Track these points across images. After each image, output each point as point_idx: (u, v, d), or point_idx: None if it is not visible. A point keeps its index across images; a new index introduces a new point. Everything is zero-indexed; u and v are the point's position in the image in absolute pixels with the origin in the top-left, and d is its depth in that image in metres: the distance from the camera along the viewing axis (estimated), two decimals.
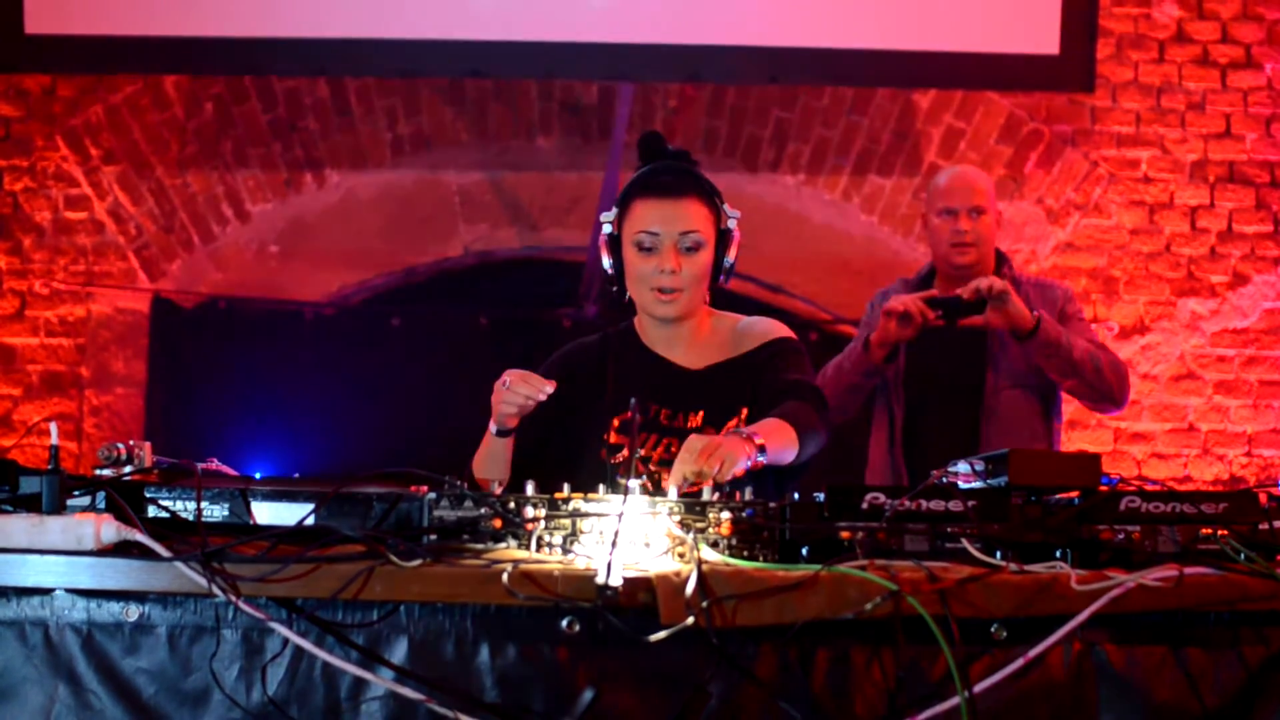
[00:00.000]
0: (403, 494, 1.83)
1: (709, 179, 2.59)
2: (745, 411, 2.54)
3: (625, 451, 2.52)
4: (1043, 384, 3.52)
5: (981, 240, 3.55)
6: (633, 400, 2.09)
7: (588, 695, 1.61)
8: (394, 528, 1.81)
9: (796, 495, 1.88)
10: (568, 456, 2.54)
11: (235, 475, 2.08)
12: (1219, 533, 1.89)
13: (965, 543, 1.80)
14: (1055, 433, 3.64)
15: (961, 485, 1.95)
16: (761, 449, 2.22)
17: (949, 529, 1.82)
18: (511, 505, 1.81)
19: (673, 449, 2.50)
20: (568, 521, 1.81)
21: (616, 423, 2.57)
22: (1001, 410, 3.51)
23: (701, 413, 2.56)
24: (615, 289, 2.62)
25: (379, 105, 5.16)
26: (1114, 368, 3.47)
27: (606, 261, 2.58)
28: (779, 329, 2.66)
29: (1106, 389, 3.45)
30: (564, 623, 1.67)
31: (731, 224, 2.57)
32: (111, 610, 1.70)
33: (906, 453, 3.54)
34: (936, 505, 1.83)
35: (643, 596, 1.64)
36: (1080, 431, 5.11)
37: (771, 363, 2.57)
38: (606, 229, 2.57)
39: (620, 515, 1.73)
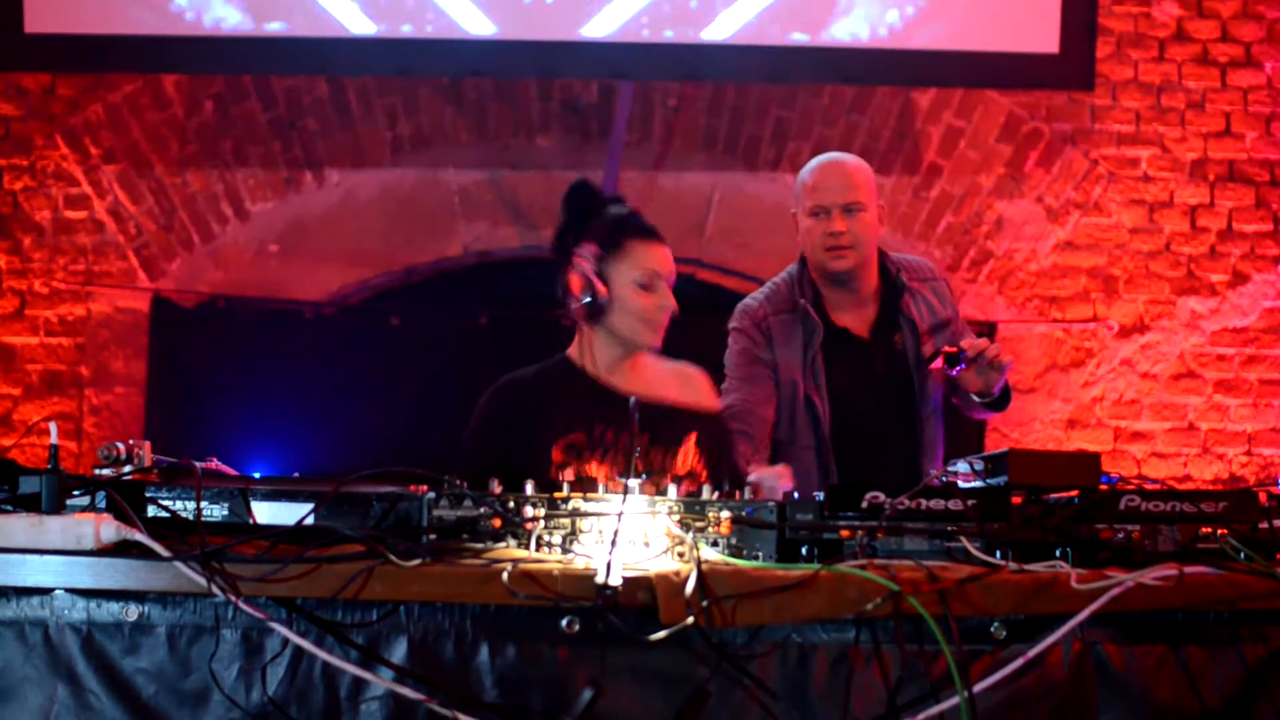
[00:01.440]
0: (402, 494, 1.83)
1: None
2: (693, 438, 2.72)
3: (589, 464, 2.60)
4: (938, 404, 3.26)
5: (860, 241, 3.13)
6: (632, 400, 2.09)
7: (587, 695, 1.61)
8: (394, 527, 1.81)
9: (796, 494, 1.87)
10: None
11: (235, 475, 2.08)
12: (1219, 532, 1.89)
13: (965, 542, 1.80)
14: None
15: (961, 484, 1.95)
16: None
17: (949, 528, 1.82)
18: (511, 505, 1.81)
19: (618, 462, 2.64)
20: (567, 521, 1.81)
21: (562, 443, 2.64)
22: (926, 437, 3.21)
23: (648, 435, 2.68)
24: (592, 316, 2.72)
25: (379, 105, 5.16)
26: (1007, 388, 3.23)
27: (592, 293, 2.69)
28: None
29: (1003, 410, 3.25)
30: (564, 622, 1.67)
31: None
32: (111, 610, 1.70)
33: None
34: (936, 504, 1.83)
35: (642, 596, 1.64)
36: (1080, 430, 5.11)
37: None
38: (594, 265, 2.69)
39: (620, 515, 1.73)
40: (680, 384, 2.87)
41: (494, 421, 2.72)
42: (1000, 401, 3.15)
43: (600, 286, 2.69)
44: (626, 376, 2.79)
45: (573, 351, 2.83)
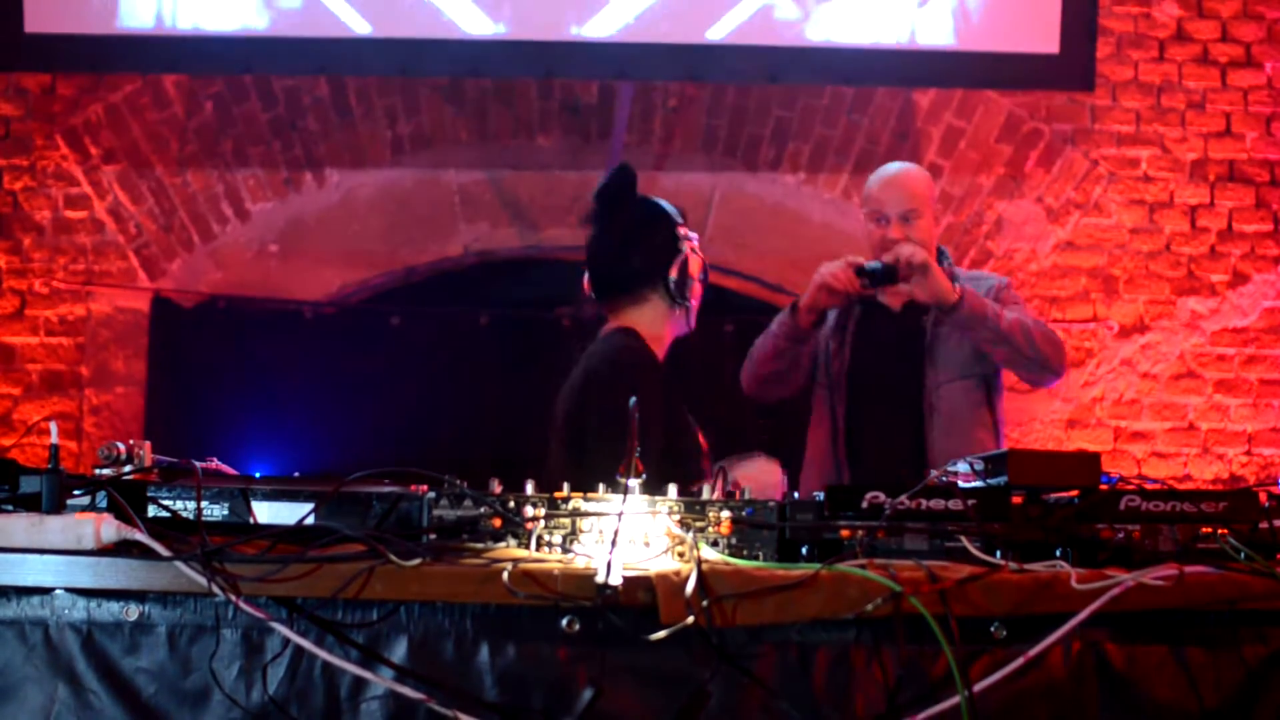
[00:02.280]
0: (403, 493, 1.83)
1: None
2: None
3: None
4: (983, 372, 3.54)
5: (916, 243, 3.49)
6: (632, 399, 2.09)
7: (587, 695, 1.61)
8: (394, 527, 1.81)
9: (796, 494, 1.88)
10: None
11: (235, 475, 2.08)
12: (1219, 532, 1.89)
13: (965, 542, 1.80)
14: (998, 418, 3.60)
15: (961, 484, 1.95)
16: None
17: (949, 528, 1.82)
18: (511, 504, 1.81)
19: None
20: (567, 520, 1.81)
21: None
22: (943, 405, 3.50)
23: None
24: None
25: (379, 105, 5.16)
26: (1046, 337, 3.47)
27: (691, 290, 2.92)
28: None
29: (1041, 358, 3.45)
30: (564, 622, 1.67)
31: None
32: (111, 610, 1.70)
33: (848, 450, 3.52)
34: (936, 504, 1.83)
35: (642, 596, 1.64)
36: (1080, 430, 5.11)
37: None
38: (686, 254, 2.88)
39: (620, 514, 1.73)
40: None
41: (658, 379, 2.80)
42: (957, 309, 3.35)
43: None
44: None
45: (641, 328, 2.89)
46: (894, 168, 3.67)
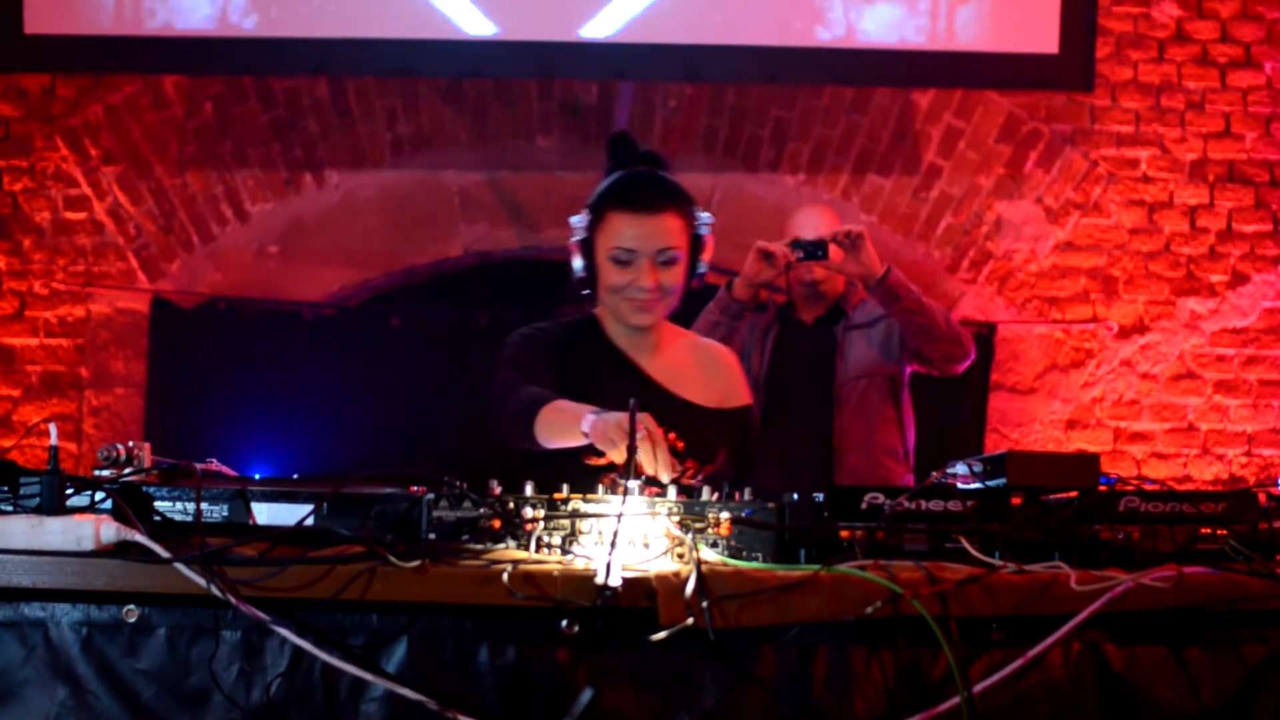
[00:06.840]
0: (402, 495, 1.83)
1: (680, 183, 2.60)
2: (723, 456, 2.59)
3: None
4: (888, 373, 3.91)
5: (830, 278, 3.97)
6: (632, 400, 2.08)
7: (587, 695, 1.61)
8: (394, 528, 1.81)
9: (796, 495, 1.88)
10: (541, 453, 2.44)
11: (235, 475, 2.08)
12: (1218, 532, 1.89)
13: (964, 543, 1.80)
14: (904, 414, 3.96)
15: (960, 486, 1.95)
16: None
17: (948, 529, 1.82)
18: (511, 506, 1.81)
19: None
20: (567, 522, 1.81)
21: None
22: (850, 398, 3.89)
23: (682, 443, 2.41)
24: (586, 291, 2.62)
25: (379, 105, 5.16)
26: (952, 320, 3.88)
27: (578, 264, 2.59)
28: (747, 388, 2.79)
29: (955, 334, 3.82)
30: (563, 623, 1.67)
31: (704, 231, 2.58)
32: (111, 611, 1.70)
33: (763, 444, 3.87)
34: (936, 505, 1.83)
35: (642, 597, 1.64)
36: (1080, 431, 5.11)
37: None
38: (580, 235, 2.57)
39: (619, 516, 1.73)
40: (705, 376, 2.67)
41: (513, 370, 2.55)
42: (883, 280, 3.70)
43: (578, 260, 2.57)
44: (647, 356, 2.62)
45: (600, 311, 2.64)
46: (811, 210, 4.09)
